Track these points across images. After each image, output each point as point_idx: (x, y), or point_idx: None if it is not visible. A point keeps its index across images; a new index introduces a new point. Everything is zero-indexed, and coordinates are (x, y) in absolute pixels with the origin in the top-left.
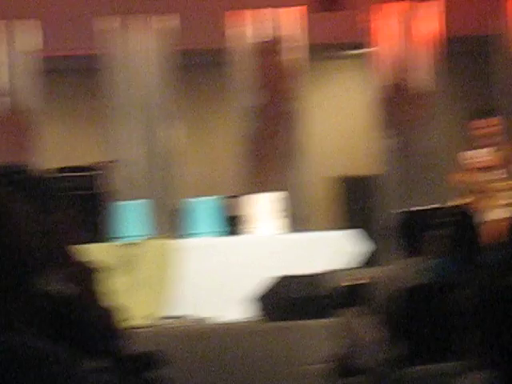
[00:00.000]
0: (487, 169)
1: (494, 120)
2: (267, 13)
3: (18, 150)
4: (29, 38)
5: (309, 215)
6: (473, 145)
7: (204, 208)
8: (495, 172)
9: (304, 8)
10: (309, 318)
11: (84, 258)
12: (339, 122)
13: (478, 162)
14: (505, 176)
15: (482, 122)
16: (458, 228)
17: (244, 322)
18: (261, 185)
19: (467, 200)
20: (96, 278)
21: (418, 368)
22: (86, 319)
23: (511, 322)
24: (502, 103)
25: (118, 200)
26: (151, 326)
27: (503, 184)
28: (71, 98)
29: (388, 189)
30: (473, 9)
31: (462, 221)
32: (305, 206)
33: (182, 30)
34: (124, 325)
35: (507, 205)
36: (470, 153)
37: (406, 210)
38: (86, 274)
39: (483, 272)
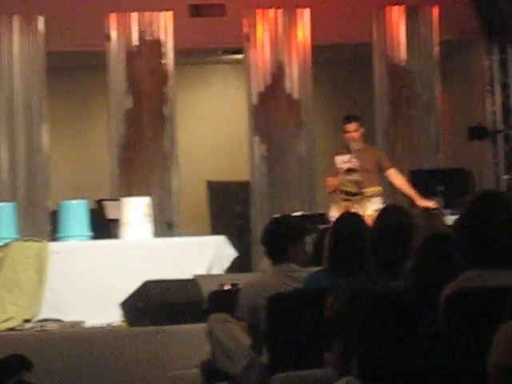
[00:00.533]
0: (350, 173)
1: (356, 125)
2: (140, 16)
3: None
4: None
5: (178, 220)
6: (340, 150)
7: (74, 211)
8: (356, 177)
9: (178, 12)
10: (174, 323)
11: None
12: (213, 126)
13: (343, 167)
14: (361, 180)
15: (348, 127)
16: (326, 235)
17: (112, 327)
18: (131, 189)
19: (338, 206)
20: None
21: (285, 374)
22: None
23: (371, 330)
24: (381, 109)
25: None
26: (17, 330)
27: (371, 190)
28: None
29: (259, 195)
30: (349, 16)
31: (334, 228)
32: (174, 211)
33: (53, 32)
34: None
35: (375, 211)
36: (338, 158)
37: (275, 216)
38: None
39: (350, 281)
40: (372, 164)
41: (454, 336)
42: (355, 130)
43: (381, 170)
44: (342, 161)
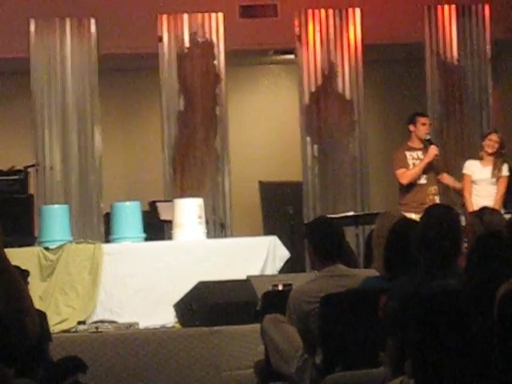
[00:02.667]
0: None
1: (428, 120)
2: (191, 18)
3: None
4: None
5: (230, 221)
6: (409, 145)
7: (127, 212)
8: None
9: (229, 13)
10: (228, 324)
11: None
12: (264, 127)
13: (413, 163)
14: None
15: (426, 120)
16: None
17: (166, 328)
18: (183, 190)
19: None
20: (24, 283)
21: (338, 374)
22: (20, 325)
23: (425, 330)
24: (433, 107)
25: (40, 204)
26: (71, 332)
27: (433, 188)
28: None
29: (311, 195)
30: (400, 16)
31: (389, 232)
32: (226, 212)
33: (105, 35)
34: (48, 330)
35: None
36: (408, 153)
37: (315, 218)
38: (18, 279)
39: (403, 281)
40: (434, 163)
41: (509, 335)
42: (429, 124)
43: (436, 171)
44: (412, 156)
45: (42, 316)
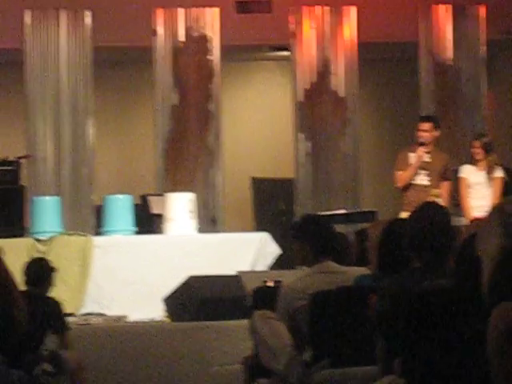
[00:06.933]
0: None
1: (429, 126)
2: (187, 12)
3: None
4: None
5: (221, 216)
6: (414, 147)
7: (118, 205)
8: (426, 182)
9: (225, 8)
10: (217, 319)
11: None
12: (257, 123)
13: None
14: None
15: (422, 126)
16: (369, 236)
17: (155, 322)
18: (175, 184)
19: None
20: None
21: (327, 371)
22: (8, 316)
23: (415, 329)
24: (426, 107)
25: (31, 196)
26: None
27: (435, 192)
28: None
29: (303, 192)
30: (396, 14)
31: (383, 232)
32: (218, 207)
33: (100, 27)
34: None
35: None
36: (411, 154)
37: (316, 213)
38: (4, 269)
39: (394, 280)
40: (440, 167)
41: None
42: (425, 131)
43: (443, 177)
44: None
45: (56, 304)
